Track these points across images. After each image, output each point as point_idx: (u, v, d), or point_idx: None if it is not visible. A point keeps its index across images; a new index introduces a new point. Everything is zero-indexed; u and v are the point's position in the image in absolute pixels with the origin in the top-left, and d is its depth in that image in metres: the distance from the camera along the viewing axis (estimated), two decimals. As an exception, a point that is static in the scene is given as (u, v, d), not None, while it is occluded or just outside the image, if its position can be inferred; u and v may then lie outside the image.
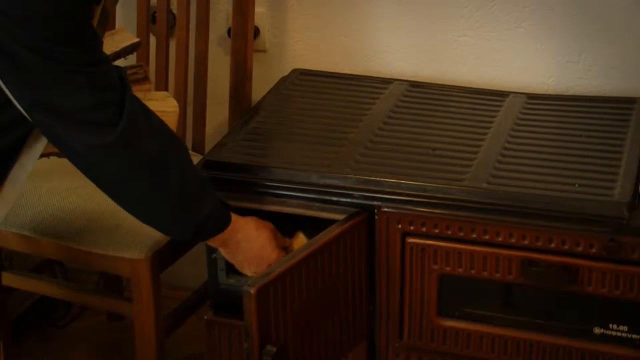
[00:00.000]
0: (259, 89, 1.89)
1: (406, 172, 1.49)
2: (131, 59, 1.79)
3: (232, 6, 1.84)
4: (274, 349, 1.32)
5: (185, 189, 1.34)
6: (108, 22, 1.40)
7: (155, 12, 1.89)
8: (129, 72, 1.64)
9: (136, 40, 1.67)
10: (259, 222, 1.48)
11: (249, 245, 1.45)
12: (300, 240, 1.55)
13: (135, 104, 1.28)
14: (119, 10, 1.93)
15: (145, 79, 1.68)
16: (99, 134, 1.24)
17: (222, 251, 1.47)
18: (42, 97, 1.21)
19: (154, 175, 1.31)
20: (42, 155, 1.39)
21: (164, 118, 1.47)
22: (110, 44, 1.63)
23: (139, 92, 1.64)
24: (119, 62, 1.75)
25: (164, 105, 1.64)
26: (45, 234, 1.70)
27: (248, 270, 1.48)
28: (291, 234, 1.54)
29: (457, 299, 1.47)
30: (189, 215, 1.36)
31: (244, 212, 1.56)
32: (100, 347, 2.11)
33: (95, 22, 1.30)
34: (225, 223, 1.41)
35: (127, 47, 1.65)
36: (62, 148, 1.28)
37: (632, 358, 1.40)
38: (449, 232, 1.43)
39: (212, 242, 1.44)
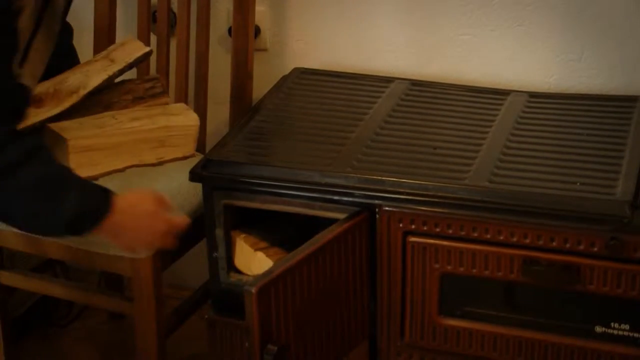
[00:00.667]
0: (260, 88, 1.89)
1: (407, 171, 1.49)
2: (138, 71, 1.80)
3: (233, 5, 1.83)
4: (275, 348, 1.32)
5: (44, 185, 1.30)
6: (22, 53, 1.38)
7: (155, 11, 1.89)
8: (146, 86, 1.63)
9: (147, 49, 1.66)
10: (137, 196, 1.42)
11: (133, 225, 1.39)
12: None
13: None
14: (120, 9, 1.93)
15: (163, 93, 1.67)
16: None
17: (109, 239, 1.42)
18: None
19: (10, 179, 1.28)
20: None
21: (185, 132, 1.50)
22: (122, 54, 1.62)
23: (157, 106, 1.63)
24: (131, 73, 1.75)
25: (185, 120, 1.64)
26: (46, 233, 1.70)
27: (140, 250, 1.46)
28: (292, 235, 1.54)
29: (458, 298, 1.46)
30: (54, 213, 1.32)
31: (245, 212, 1.56)
32: (101, 347, 2.10)
33: (27, 24, 1.29)
34: (99, 216, 1.35)
35: (139, 57, 1.64)
36: None
37: (634, 357, 1.39)
38: (451, 231, 1.43)
39: (98, 233, 1.39)
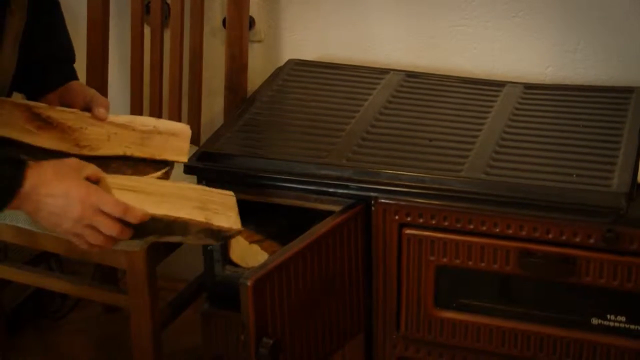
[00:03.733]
0: (255, 79, 1.88)
1: (403, 163, 1.49)
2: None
3: (227, -4, 1.83)
4: (271, 341, 1.32)
5: None
6: None
7: (149, 2, 1.88)
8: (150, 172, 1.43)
9: (183, 160, 1.47)
10: (58, 166, 1.25)
11: (53, 200, 1.22)
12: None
13: None
14: (113, 0, 1.92)
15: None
16: None
17: (28, 215, 1.26)
18: None
19: None
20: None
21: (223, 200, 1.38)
22: (158, 144, 1.43)
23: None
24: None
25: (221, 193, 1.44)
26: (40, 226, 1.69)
27: (65, 226, 1.25)
28: (287, 228, 1.54)
29: (454, 290, 1.46)
30: None
31: (240, 204, 1.55)
32: (96, 339, 2.10)
33: None
34: (12, 187, 1.20)
35: (167, 160, 1.44)
36: None
37: (630, 348, 1.39)
38: (446, 223, 1.42)
39: (11, 208, 1.23)
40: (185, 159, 1.48)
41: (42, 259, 2.07)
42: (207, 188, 1.42)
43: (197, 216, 1.33)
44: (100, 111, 1.42)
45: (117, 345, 2.06)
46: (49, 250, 1.81)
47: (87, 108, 1.45)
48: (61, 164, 1.26)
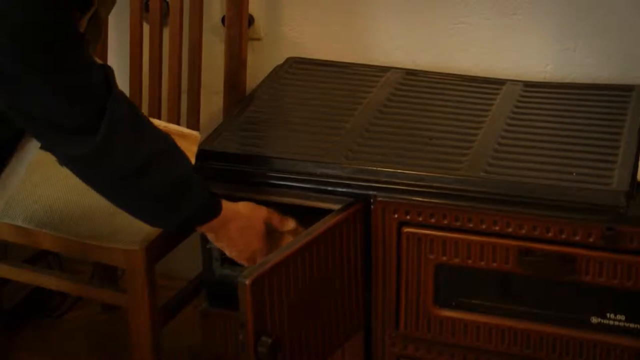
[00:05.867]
0: (254, 77, 1.88)
1: (402, 162, 1.48)
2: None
3: (227, -6, 1.82)
4: (270, 340, 1.32)
5: (170, 189, 1.34)
6: (102, 30, 1.36)
7: (148, 0, 1.88)
8: None
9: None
10: (253, 211, 1.47)
11: (239, 235, 1.45)
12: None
13: (120, 109, 1.26)
14: (112, -2, 1.91)
15: None
16: (77, 143, 1.23)
17: (210, 237, 1.47)
18: (17, 103, 1.20)
19: (138, 182, 1.30)
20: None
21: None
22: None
23: None
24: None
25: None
26: (39, 224, 1.69)
27: (233, 255, 1.50)
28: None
29: (453, 289, 1.46)
30: (175, 212, 1.37)
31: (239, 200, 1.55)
32: (95, 338, 2.10)
33: (83, 28, 1.27)
34: (212, 214, 1.41)
35: None
36: (51, 152, 1.28)
37: (629, 347, 1.39)
38: (446, 222, 1.42)
39: (201, 229, 1.44)
40: (192, 161, 1.47)
41: (42, 258, 2.07)
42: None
43: None
44: None
45: (116, 343, 2.06)
46: (48, 249, 1.81)
47: None
48: (251, 212, 1.47)
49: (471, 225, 1.41)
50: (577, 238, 1.37)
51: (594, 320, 1.40)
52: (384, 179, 1.45)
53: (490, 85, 1.75)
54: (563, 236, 1.37)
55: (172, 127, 1.47)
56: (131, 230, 1.64)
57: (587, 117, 1.60)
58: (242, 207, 1.46)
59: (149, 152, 1.30)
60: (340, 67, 1.84)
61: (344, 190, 1.47)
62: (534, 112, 1.64)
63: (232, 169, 1.52)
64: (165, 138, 1.36)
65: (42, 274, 1.86)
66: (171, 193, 1.35)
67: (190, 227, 1.44)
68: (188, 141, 1.47)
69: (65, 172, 1.75)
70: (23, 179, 1.73)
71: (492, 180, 1.42)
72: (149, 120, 1.35)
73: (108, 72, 1.27)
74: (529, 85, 1.74)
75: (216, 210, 1.41)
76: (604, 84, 1.75)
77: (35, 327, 2.12)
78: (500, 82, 1.76)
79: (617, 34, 1.75)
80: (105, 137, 1.24)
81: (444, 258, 1.44)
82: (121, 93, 1.29)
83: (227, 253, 1.49)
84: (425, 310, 1.47)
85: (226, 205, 1.43)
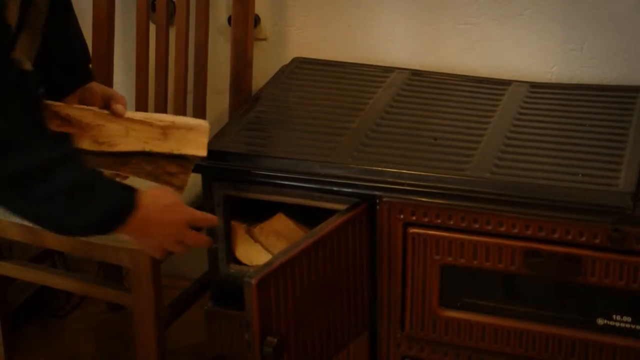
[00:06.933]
0: (260, 77, 1.88)
1: (408, 162, 1.48)
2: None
3: (233, -6, 1.82)
4: (275, 340, 1.32)
5: (74, 195, 1.28)
6: (40, 22, 1.33)
7: (154, 0, 1.88)
8: (169, 169, 1.46)
9: (203, 154, 1.45)
10: (160, 192, 1.39)
11: (159, 219, 1.37)
12: (281, 220, 1.53)
13: (22, 114, 1.22)
14: (118, -2, 1.92)
15: (179, 187, 1.48)
16: None
17: (136, 239, 1.40)
18: None
19: (36, 191, 1.25)
20: None
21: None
22: (177, 138, 1.43)
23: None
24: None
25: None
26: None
27: (168, 247, 1.42)
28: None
29: (459, 290, 1.46)
30: (78, 217, 1.30)
31: (244, 202, 1.55)
32: (100, 337, 2.10)
33: (13, 18, 1.25)
34: (125, 213, 1.33)
35: (188, 155, 1.44)
36: None
37: (635, 349, 1.39)
38: (451, 222, 1.42)
39: (124, 231, 1.36)
40: (204, 152, 1.45)
41: (47, 257, 2.07)
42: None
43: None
44: (118, 107, 1.43)
45: (120, 342, 2.06)
46: (54, 248, 1.81)
47: (106, 107, 1.45)
48: (161, 191, 1.40)
49: (477, 226, 1.41)
50: (583, 239, 1.36)
51: (600, 321, 1.40)
52: (390, 179, 1.45)
53: (496, 86, 1.75)
54: (569, 237, 1.37)
55: (179, 121, 1.45)
56: (137, 230, 1.64)
57: (593, 118, 1.60)
58: (150, 190, 1.38)
59: (46, 158, 1.25)
60: (345, 68, 1.84)
61: (350, 190, 1.47)
62: (540, 113, 1.64)
63: (238, 169, 1.52)
64: (64, 142, 1.30)
65: (48, 273, 1.86)
66: (74, 202, 1.28)
67: (104, 232, 1.35)
68: (197, 133, 1.45)
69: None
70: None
71: (498, 181, 1.42)
72: (50, 130, 1.31)
73: (26, 78, 1.24)
74: (534, 86, 1.74)
75: (127, 209, 1.32)
76: (610, 85, 1.74)
77: (40, 326, 2.13)
78: (506, 83, 1.75)
79: (624, 35, 1.74)
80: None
81: (450, 259, 1.43)
82: (35, 101, 1.26)
83: (158, 246, 1.42)
84: (430, 310, 1.47)
85: (139, 195, 1.34)
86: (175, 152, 1.44)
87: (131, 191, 1.34)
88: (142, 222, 1.35)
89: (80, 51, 1.56)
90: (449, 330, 1.48)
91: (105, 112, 1.42)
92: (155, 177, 1.45)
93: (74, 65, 1.52)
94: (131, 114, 1.44)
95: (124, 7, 1.97)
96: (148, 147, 1.42)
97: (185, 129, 1.43)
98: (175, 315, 1.78)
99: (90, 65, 1.56)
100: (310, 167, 1.49)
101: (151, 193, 1.37)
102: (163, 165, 1.44)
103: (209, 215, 1.47)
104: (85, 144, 1.40)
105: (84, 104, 1.47)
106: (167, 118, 1.45)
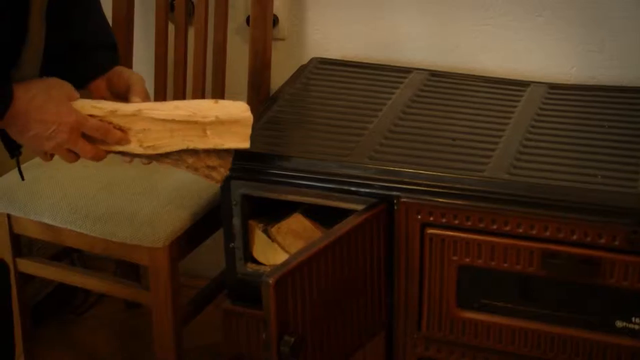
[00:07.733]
0: (278, 77, 1.88)
1: (426, 162, 1.48)
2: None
3: (251, -6, 1.83)
4: (292, 339, 1.32)
5: None
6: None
7: (173, 0, 1.89)
8: (209, 163, 1.44)
9: (245, 145, 1.42)
10: (47, 90, 1.30)
11: (44, 125, 1.29)
12: (298, 220, 1.53)
13: None
14: (138, -2, 1.93)
15: (218, 182, 1.47)
16: None
17: (9, 133, 1.31)
18: None
19: None
20: None
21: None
22: (219, 132, 1.40)
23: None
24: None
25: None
26: (64, 222, 1.70)
27: (46, 148, 1.33)
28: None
29: (476, 291, 1.46)
30: None
31: (262, 202, 1.56)
32: (118, 335, 2.11)
33: None
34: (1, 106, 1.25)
35: (230, 149, 1.42)
36: None
37: (653, 352, 1.38)
38: (469, 223, 1.42)
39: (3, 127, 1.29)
40: (247, 144, 1.42)
41: (66, 255, 2.09)
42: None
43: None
44: (134, 101, 1.41)
45: (138, 340, 2.07)
46: (73, 246, 1.83)
47: (127, 92, 1.43)
48: (49, 88, 1.30)
49: (495, 227, 1.41)
50: (602, 241, 1.36)
51: (619, 324, 1.39)
52: (408, 180, 1.45)
53: (514, 87, 1.74)
54: (588, 239, 1.36)
55: (222, 115, 1.40)
56: (155, 229, 1.65)
57: (612, 120, 1.59)
58: (36, 88, 1.29)
59: None
60: (364, 68, 1.84)
61: (367, 190, 1.47)
62: (559, 114, 1.63)
63: (256, 169, 1.53)
64: None
65: (66, 270, 1.88)
66: None
67: None
68: (241, 125, 1.43)
69: (89, 171, 1.77)
70: (43, 177, 1.75)
71: (516, 182, 1.42)
72: None
73: None
74: (553, 87, 1.74)
75: (5, 98, 1.24)
76: (629, 87, 1.74)
77: (58, 323, 2.14)
78: (524, 84, 1.75)
79: (643, 36, 1.74)
80: None
81: (467, 260, 1.43)
82: None
83: (38, 148, 1.33)
84: (447, 311, 1.47)
85: (16, 87, 1.26)
86: (219, 147, 1.42)
87: (6, 83, 1.25)
88: (19, 116, 1.26)
89: (106, 32, 1.51)
90: (465, 331, 1.47)
91: (149, 115, 1.39)
92: (195, 170, 1.44)
93: (102, 48, 1.48)
94: (174, 105, 1.41)
95: (143, 7, 1.98)
96: (192, 145, 1.41)
97: (229, 122, 1.41)
98: (192, 313, 1.79)
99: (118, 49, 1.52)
100: (328, 167, 1.49)
101: (35, 86, 1.27)
102: (204, 158, 1.43)
103: (105, 125, 1.34)
104: (130, 148, 1.40)
105: (111, 89, 1.46)
106: (211, 112, 1.40)
